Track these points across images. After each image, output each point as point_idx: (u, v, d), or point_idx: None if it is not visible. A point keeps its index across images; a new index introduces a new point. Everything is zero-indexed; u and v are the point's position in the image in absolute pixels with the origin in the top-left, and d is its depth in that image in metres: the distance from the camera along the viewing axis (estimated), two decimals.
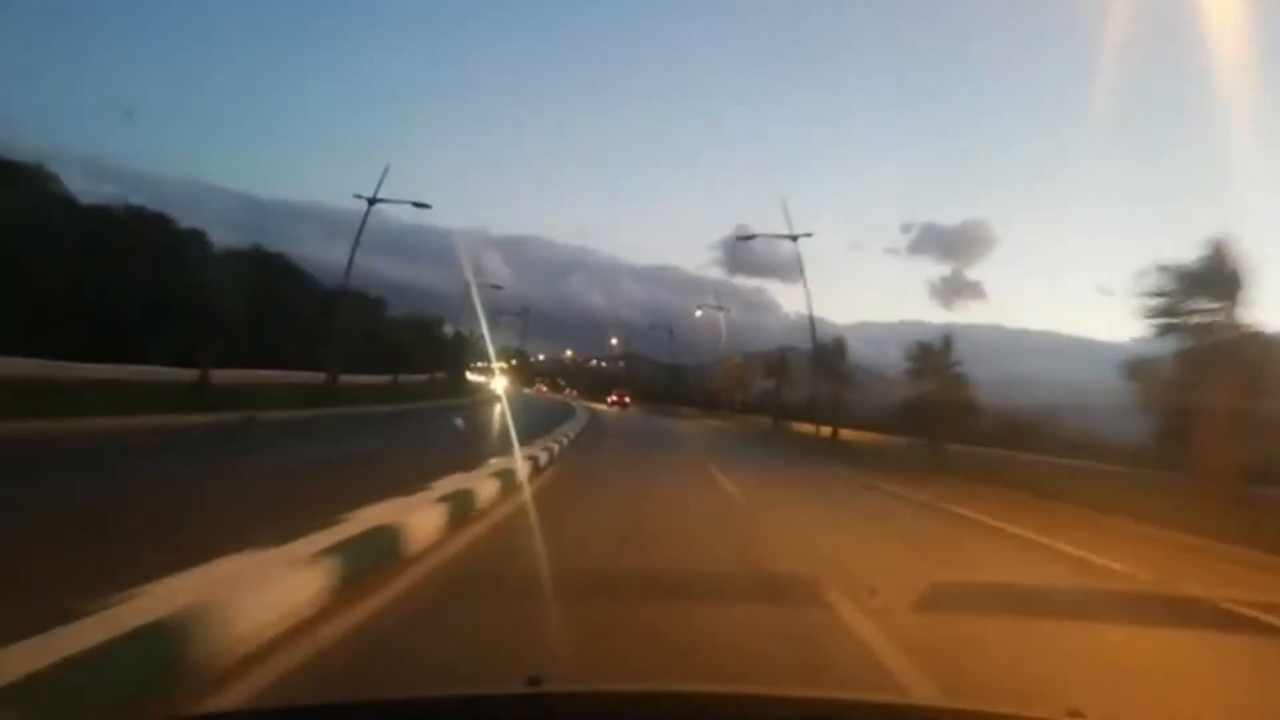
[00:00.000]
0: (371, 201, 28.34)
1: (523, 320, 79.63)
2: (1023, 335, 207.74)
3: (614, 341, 78.08)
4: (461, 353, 65.85)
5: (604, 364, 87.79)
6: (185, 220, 30.05)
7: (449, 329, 60.43)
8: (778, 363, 44.59)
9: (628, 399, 76.88)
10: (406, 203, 30.99)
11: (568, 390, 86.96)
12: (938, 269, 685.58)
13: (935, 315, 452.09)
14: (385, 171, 28.79)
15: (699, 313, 50.55)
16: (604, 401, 66.47)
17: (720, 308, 49.55)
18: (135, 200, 30.16)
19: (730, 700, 1.84)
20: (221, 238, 33.16)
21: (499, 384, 58.76)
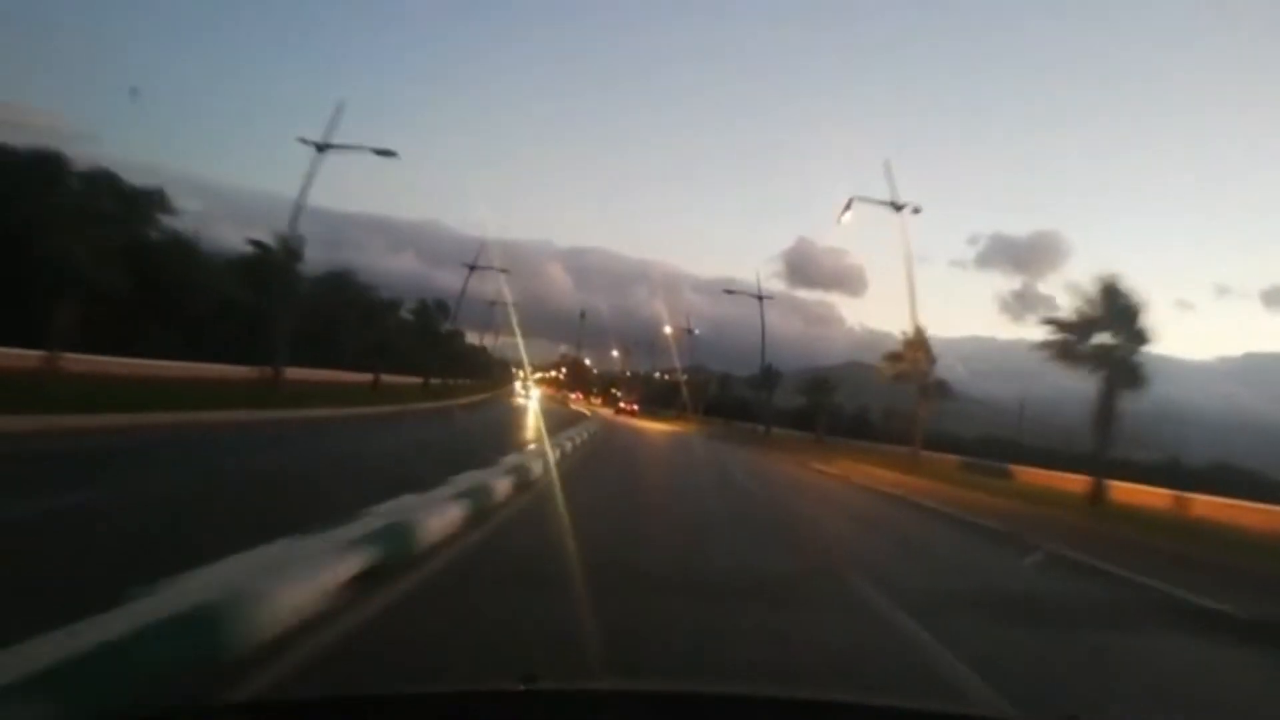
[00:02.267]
0: (320, 148, 26.32)
1: (579, 327, 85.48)
2: None
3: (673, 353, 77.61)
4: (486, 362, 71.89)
5: (666, 375, 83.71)
6: (256, 232, 32.44)
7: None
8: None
9: (635, 406, 76.56)
10: (366, 149, 27.02)
11: (622, 403, 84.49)
12: (1007, 282, 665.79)
13: (1005, 330, 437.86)
14: (339, 110, 26.87)
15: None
16: (662, 417, 62.56)
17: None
18: (211, 212, 37.15)
19: (723, 699, 1.87)
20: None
21: (532, 393, 60.12)
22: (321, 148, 26.43)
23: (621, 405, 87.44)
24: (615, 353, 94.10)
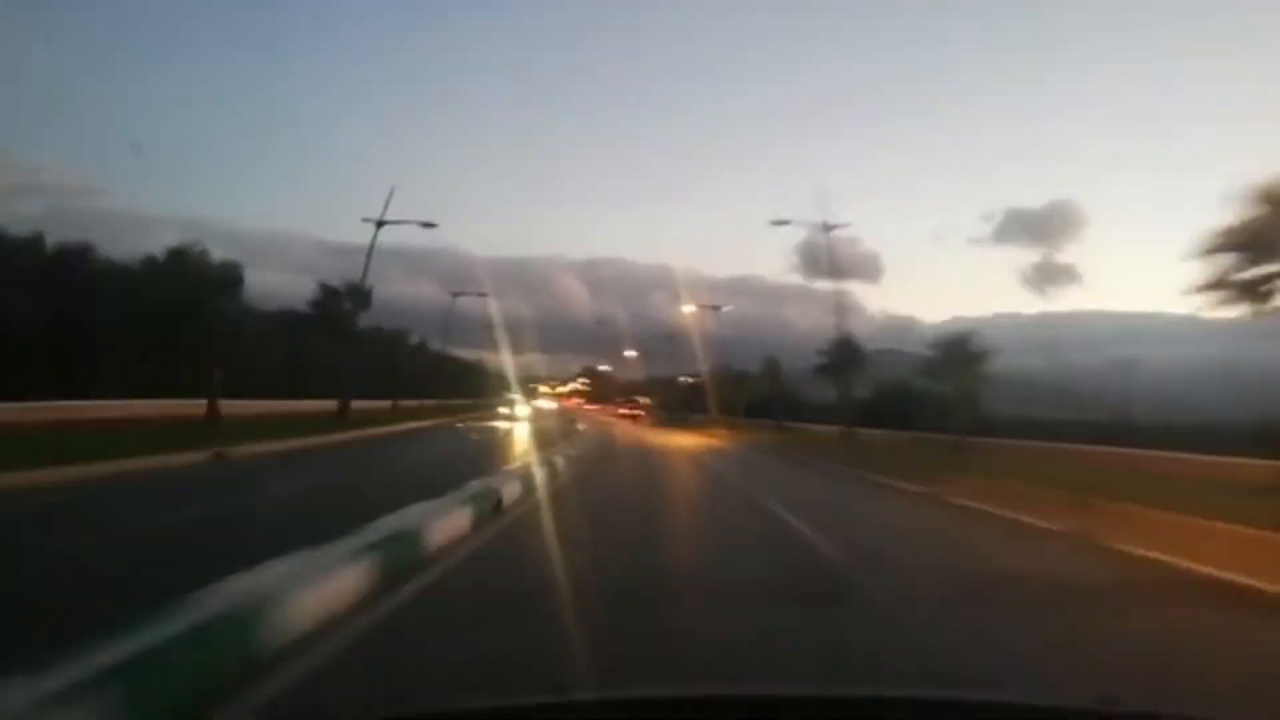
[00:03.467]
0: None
1: (598, 336, 77.12)
2: (1124, 319, 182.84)
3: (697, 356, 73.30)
4: (484, 380, 75.03)
5: (690, 379, 77.29)
6: (274, 268, 37.14)
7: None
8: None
9: (640, 411, 74.55)
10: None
11: (623, 409, 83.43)
12: (1026, 255, 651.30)
13: (1029, 305, 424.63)
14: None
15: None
16: (689, 425, 54.81)
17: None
18: (229, 255, 35.13)
19: (762, 703, 1.85)
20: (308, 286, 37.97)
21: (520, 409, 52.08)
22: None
23: (622, 411, 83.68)
24: (631, 352, 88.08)
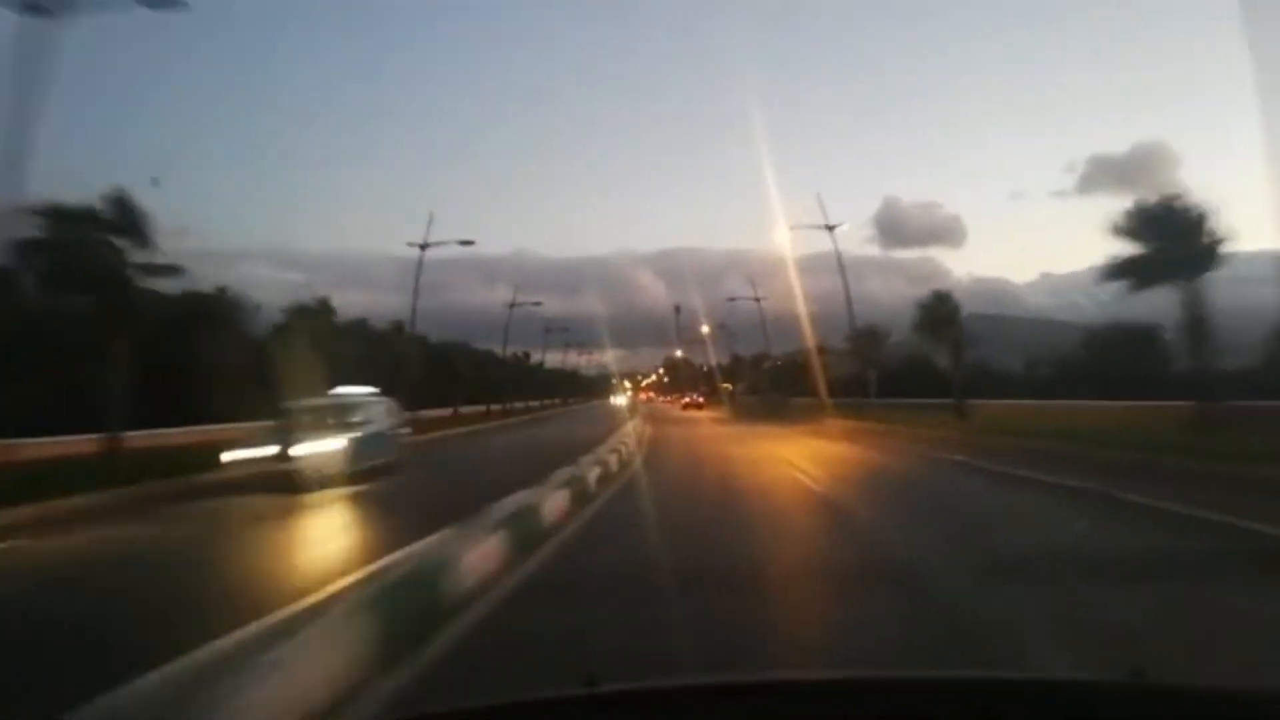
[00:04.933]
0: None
1: (675, 324, 77.11)
2: (1230, 259, 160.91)
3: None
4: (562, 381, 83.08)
5: (779, 361, 67.10)
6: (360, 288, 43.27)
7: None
8: None
9: (701, 399, 73.48)
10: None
11: (686, 399, 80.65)
12: (1116, 203, 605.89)
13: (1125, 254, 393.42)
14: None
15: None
16: (793, 420, 45.71)
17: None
18: (316, 281, 39.52)
19: (798, 688, 1.83)
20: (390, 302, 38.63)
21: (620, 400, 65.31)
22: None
23: (685, 401, 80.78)
24: (704, 328, 76.35)
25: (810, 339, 41.52)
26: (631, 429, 26.17)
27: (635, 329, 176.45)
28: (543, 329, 71.50)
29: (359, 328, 37.34)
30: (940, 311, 28.10)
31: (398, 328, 36.21)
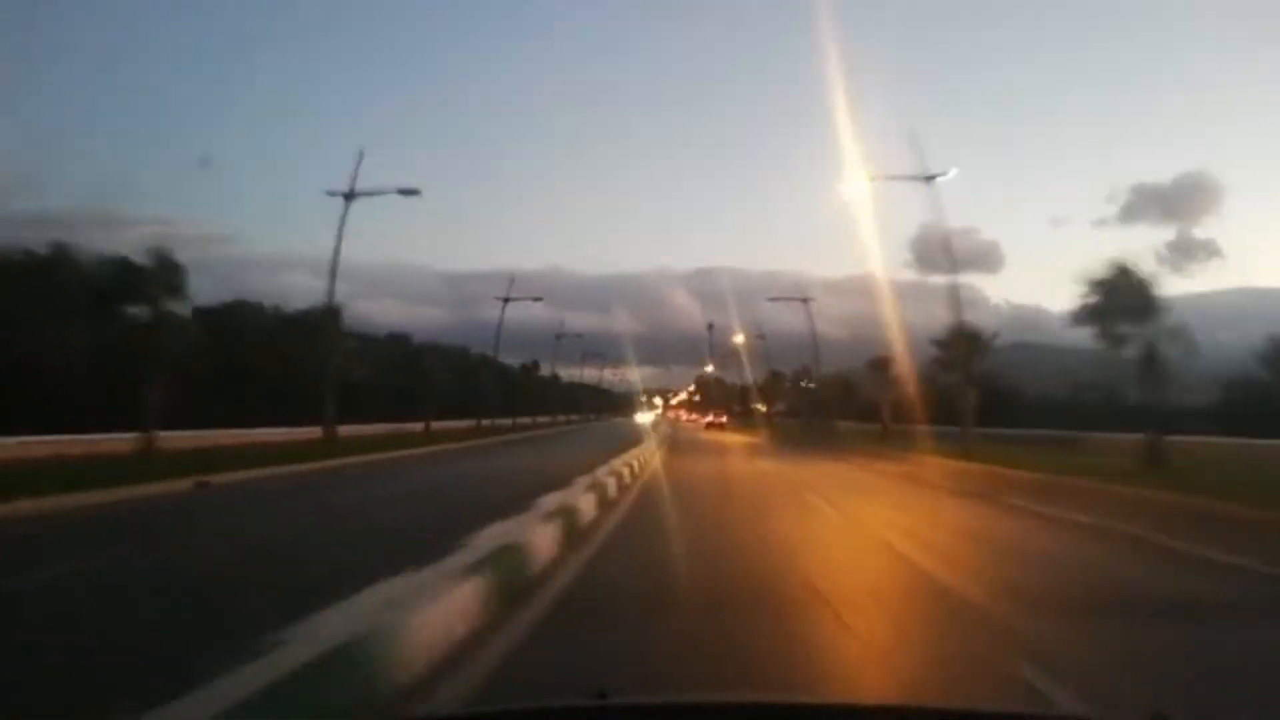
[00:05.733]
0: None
1: (709, 340, 75.91)
2: (1271, 295, 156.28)
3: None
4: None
5: (812, 384, 60.85)
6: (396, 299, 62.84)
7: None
8: None
9: (724, 419, 73.04)
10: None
11: (710, 418, 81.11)
12: (1159, 234, 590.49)
13: (1167, 286, 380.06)
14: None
15: None
16: (833, 447, 36.30)
17: None
18: (349, 289, 33.54)
19: (799, 711, 1.81)
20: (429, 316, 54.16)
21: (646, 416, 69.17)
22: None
23: (708, 420, 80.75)
24: (738, 338, 68.55)
25: (898, 338, 31.62)
26: (633, 461, 17.64)
27: (670, 346, 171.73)
28: (563, 343, 72.19)
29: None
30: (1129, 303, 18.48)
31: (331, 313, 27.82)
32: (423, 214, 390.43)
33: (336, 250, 26.95)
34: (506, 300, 42.24)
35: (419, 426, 39.27)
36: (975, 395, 24.30)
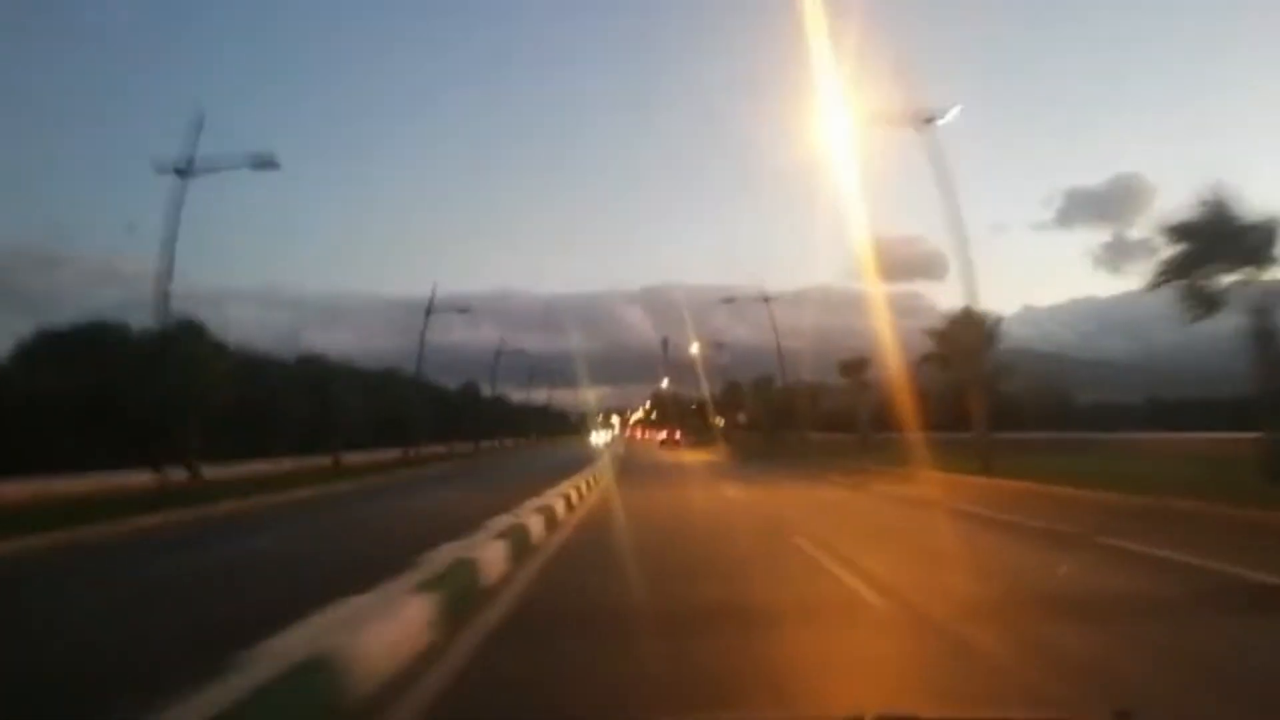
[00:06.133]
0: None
1: (663, 357, 74.50)
2: None
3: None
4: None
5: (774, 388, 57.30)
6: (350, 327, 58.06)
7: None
8: None
9: (679, 437, 70.97)
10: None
11: (662, 436, 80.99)
12: (1095, 236, 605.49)
13: (1106, 286, 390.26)
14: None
15: None
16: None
17: None
18: (296, 318, 49.61)
19: None
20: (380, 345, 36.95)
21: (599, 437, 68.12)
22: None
23: (660, 438, 79.52)
24: (697, 346, 64.34)
25: (883, 338, 26.78)
26: (556, 502, 12.58)
27: (625, 365, 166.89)
28: (513, 364, 69.37)
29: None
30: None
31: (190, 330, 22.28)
32: (369, 240, 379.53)
33: (170, 245, 21.43)
34: (429, 312, 37.22)
35: (329, 460, 33.67)
36: (987, 394, 19.52)
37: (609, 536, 11.13)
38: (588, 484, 18.52)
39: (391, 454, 40.58)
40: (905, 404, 25.41)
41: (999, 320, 21.33)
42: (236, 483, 21.99)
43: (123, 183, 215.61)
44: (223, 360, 23.61)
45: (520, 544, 8.78)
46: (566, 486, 15.62)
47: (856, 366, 32.43)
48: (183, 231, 21.76)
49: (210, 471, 23.53)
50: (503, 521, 9.39)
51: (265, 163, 22.42)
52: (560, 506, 12.70)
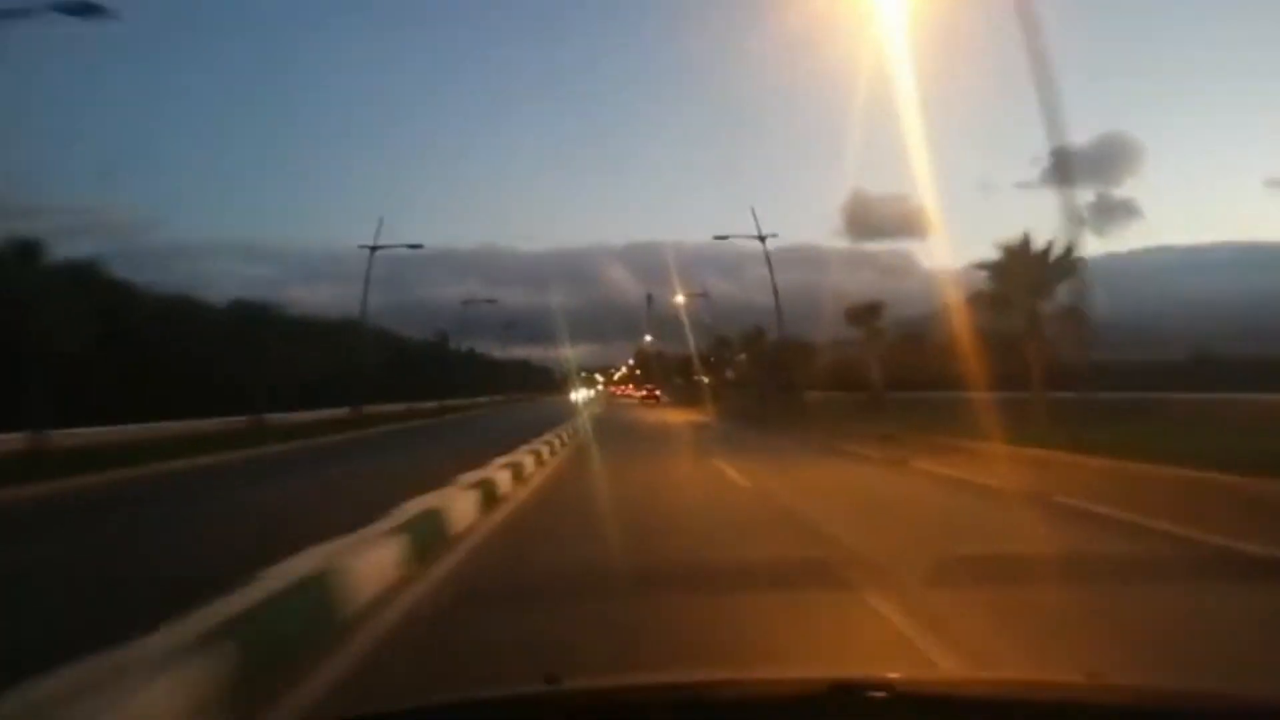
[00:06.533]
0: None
1: (646, 313, 71.01)
2: (1193, 252, 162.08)
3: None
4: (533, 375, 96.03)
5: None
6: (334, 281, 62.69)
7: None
8: None
9: (658, 392, 73.25)
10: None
11: (643, 391, 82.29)
12: (1080, 195, 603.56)
13: (1089, 246, 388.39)
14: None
15: None
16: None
17: None
18: (280, 272, 45.75)
19: (750, 686, 1.76)
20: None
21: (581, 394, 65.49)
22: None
23: (642, 394, 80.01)
24: (681, 296, 60.22)
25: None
26: (499, 476, 8.20)
27: (609, 322, 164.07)
28: (490, 318, 66.82)
29: None
30: None
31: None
32: (356, 194, 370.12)
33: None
34: (374, 249, 32.54)
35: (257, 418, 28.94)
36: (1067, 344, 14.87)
37: (567, 523, 6.56)
38: (549, 452, 14.23)
39: (337, 414, 35.89)
40: (925, 358, 20.91)
41: (1074, 253, 15.94)
42: (101, 451, 17.29)
43: None
44: (79, 296, 18.53)
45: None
46: (516, 457, 11.39)
47: (867, 313, 27.88)
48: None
49: (75, 437, 18.81)
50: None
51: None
52: (513, 475, 8.36)
